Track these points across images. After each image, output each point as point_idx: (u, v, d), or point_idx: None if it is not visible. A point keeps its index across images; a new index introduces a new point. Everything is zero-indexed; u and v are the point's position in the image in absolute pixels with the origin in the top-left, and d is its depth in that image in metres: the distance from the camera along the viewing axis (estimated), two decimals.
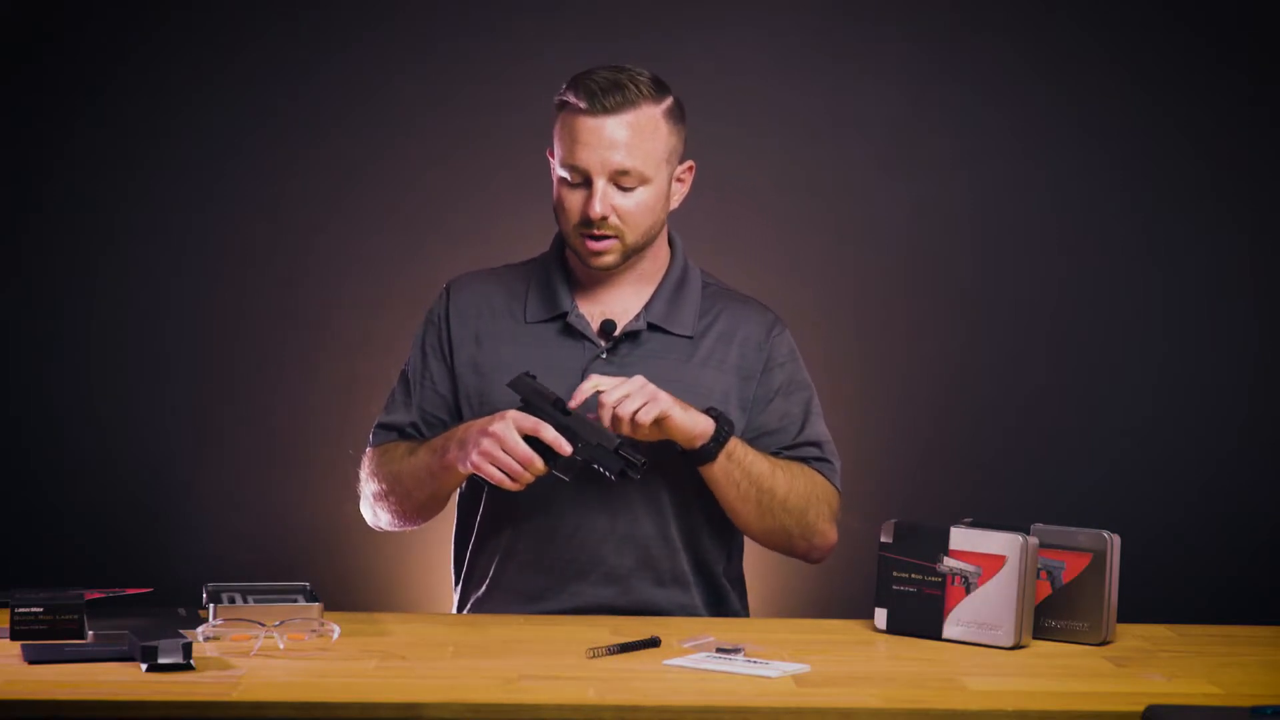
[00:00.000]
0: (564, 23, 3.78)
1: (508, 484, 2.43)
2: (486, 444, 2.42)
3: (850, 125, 3.83)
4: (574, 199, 2.52)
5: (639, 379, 2.44)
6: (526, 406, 2.44)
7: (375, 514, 2.66)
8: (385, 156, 3.80)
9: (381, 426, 2.67)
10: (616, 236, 2.52)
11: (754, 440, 2.59)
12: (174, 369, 3.79)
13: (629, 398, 2.42)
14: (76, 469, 3.78)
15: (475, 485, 2.62)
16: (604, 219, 2.51)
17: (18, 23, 3.72)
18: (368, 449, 2.67)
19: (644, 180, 2.51)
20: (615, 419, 2.42)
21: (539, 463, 2.42)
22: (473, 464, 2.44)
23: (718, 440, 2.48)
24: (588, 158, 2.50)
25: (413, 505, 2.61)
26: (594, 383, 2.45)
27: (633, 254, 2.55)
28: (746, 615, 2.70)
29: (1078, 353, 3.86)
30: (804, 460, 2.62)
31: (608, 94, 2.49)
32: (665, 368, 2.57)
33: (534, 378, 2.47)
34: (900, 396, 3.86)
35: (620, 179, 2.50)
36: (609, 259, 2.54)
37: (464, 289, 2.66)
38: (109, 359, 3.78)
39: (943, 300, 3.85)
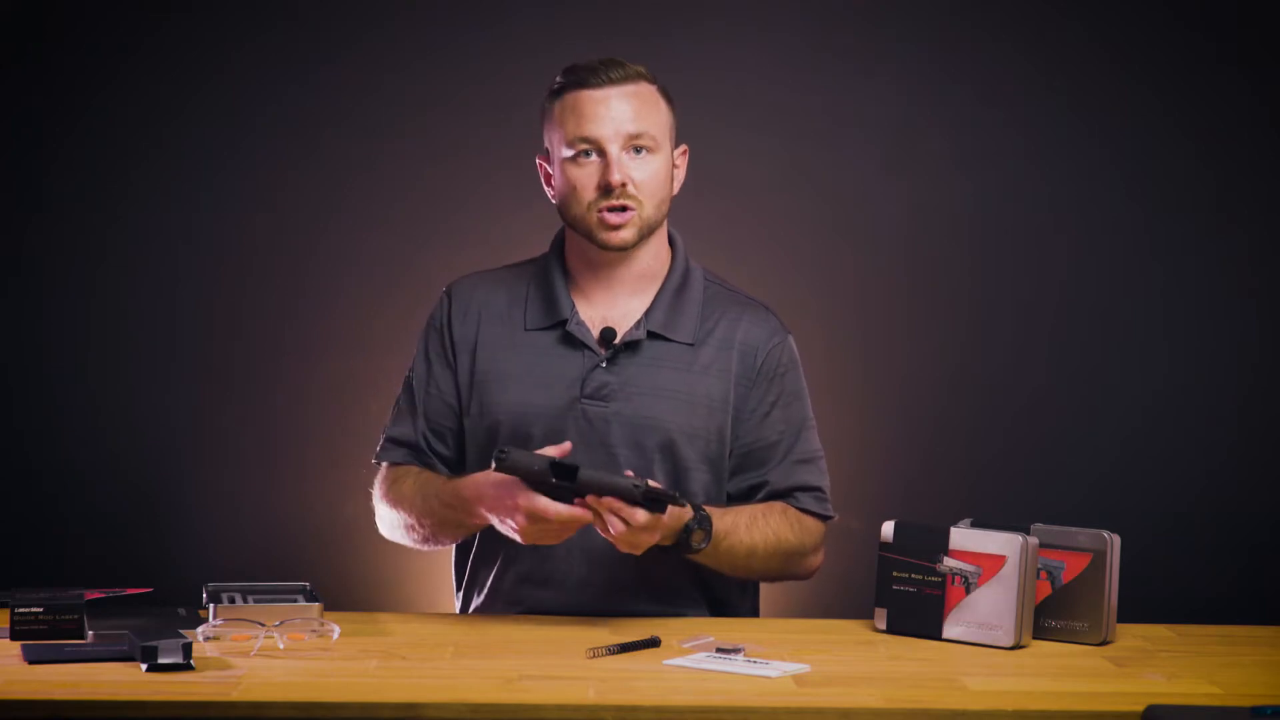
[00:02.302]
0: (564, 23, 3.78)
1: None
2: (528, 538, 2.39)
3: (850, 125, 3.82)
4: (587, 174, 2.51)
5: (648, 537, 2.37)
6: (527, 482, 2.36)
7: (394, 535, 2.63)
8: (385, 156, 3.80)
9: (390, 440, 2.64)
10: (635, 209, 2.51)
11: (749, 452, 2.59)
12: (174, 369, 3.79)
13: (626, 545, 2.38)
14: (77, 469, 3.78)
15: None
16: (624, 186, 2.49)
17: (18, 23, 3.72)
18: (380, 468, 2.65)
19: (655, 146, 2.52)
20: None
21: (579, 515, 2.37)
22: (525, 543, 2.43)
23: (683, 547, 2.46)
24: (598, 129, 2.49)
25: (440, 542, 2.59)
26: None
27: (646, 233, 2.53)
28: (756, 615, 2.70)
29: (1078, 353, 3.85)
30: (790, 493, 2.60)
31: (607, 69, 2.51)
32: (665, 377, 2.55)
33: (506, 454, 2.34)
34: (900, 396, 3.85)
35: (634, 142, 2.50)
36: (627, 234, 2.52)
37: (464, 293, 2.64)
38: (109, 359, 3.78)
39: (943, 300, 3.85)
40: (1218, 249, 3.84)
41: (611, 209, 2.50)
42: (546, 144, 2.57)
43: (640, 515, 2.32)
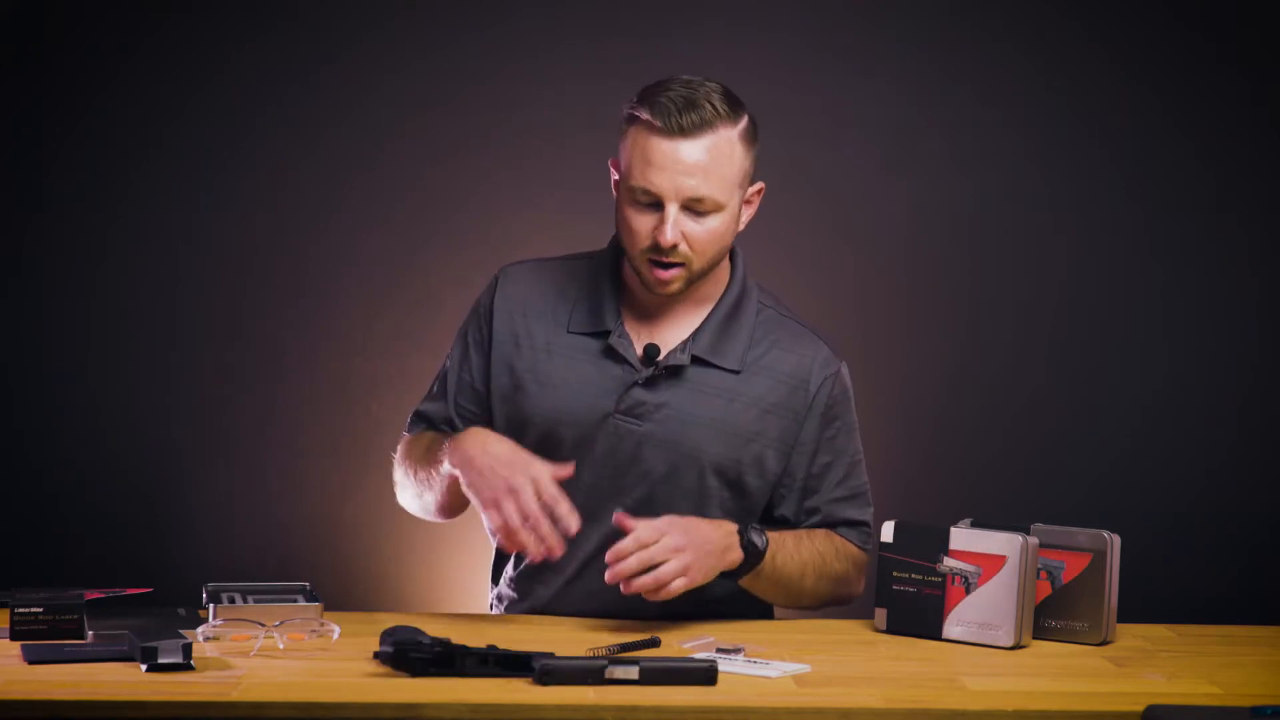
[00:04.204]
0: (564, 23, 3.78)
1: (503, 536, 2.35)
2: (504, 499, 2.33)
3: (850, 125, 3.83)
4: (643, 222, 2.42)
5: (671, 540, 2.33)
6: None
7: (404, 500, 2.60)
8: (385, 156, 3.80)
9: (417, 414, 2.62)
10: (684, 264, 2.43)
11: (795, 484, 2.55)
12: (174, 368, 3.79)
13: (657, 567, 2.31)
14: (77, 469, 3.78)
15: None
16: (674, 247, 2.41)
17: (18, 23, 3.72)
18: (404, 435, 2.64)
19: (717, 207, 2.41)
20: (637, 587, 2.31)
21: (546, 528, 2.32)
22: (482, 502, 2.36)
23: (743, 572, 2.44)
24: (661, 182, 2.39)
25: (429, 506, 2.54)
26: (633, 538, 2.32)
27: (697, 279, 2.47)
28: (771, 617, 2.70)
29: (1078, 352, 3.86)
30: (837, 527, 2.57)
31: (684, 113, 2.38)
32: (704, 405, 2.50)
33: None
34: (900, 396, 3.85)
35: (693, 205, 2.40)
36: (675, 286, 2.44)
37: (513, 282, 2.58)
38: (109, 359, 3.78)
39: (943, 300, 3.85)
40: (1218, 249, 3.84)
41: (660, 264, 2.44)
42: (620, 154, 2.48)
43: (630, 539, 2.31)
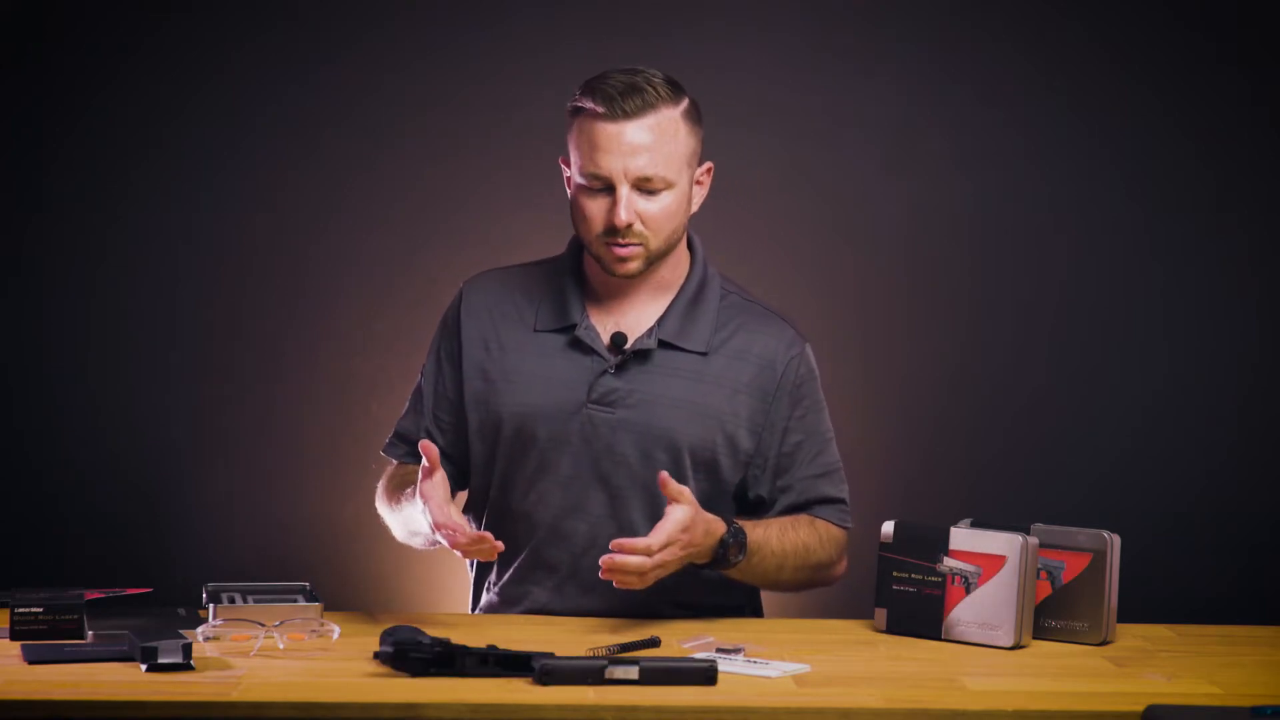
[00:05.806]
0: (564, 23, 3.78)
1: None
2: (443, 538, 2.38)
3: (850, 125, 3.82)
4: (596, 207, 2.47)
5: (673, 552, 2.37)
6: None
7: (399, 538, 2.63)
8: (385, 156, 3.80)
9: (397, 435, 2.65)
10: (641, 243, 2.48)
11: (768, 465, 2.57)
12: (174, 369, 3.79)
13: (652, 570, 2.36)
14: (77, 469, 3.78)
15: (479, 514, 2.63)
16: (629, 226, 2.46)
17: (18, 23, 3.72)
18: (386, 465, 2.66)
19: (668, 185, 2.47)
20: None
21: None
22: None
23: (709, 567, 2.48)
24: (610, 164, 2.45)
25: (422, 544, 2.56)
26: (645, 545, 2.35)
27: (656, 259, 2.51)
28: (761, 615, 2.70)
29: (1078, 352, 3.85)
30: (810, 506, 2.59)
31: (626, 97, 2.44)
32: (675, 386, 2.53)
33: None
34: (900, 397, 3.85)
35: (644, 184, 2.46)
36: (634, 265, 2.49)
37: (477, 291, 2.63)
38: (109, 359, 3.78)
39: (943, 300, 3.85)
40: (1218, 249, 3.84)
41: (618, 244, 2.48)
42: (569, 149, 2.54)
43: (643, 543, 2.34)
